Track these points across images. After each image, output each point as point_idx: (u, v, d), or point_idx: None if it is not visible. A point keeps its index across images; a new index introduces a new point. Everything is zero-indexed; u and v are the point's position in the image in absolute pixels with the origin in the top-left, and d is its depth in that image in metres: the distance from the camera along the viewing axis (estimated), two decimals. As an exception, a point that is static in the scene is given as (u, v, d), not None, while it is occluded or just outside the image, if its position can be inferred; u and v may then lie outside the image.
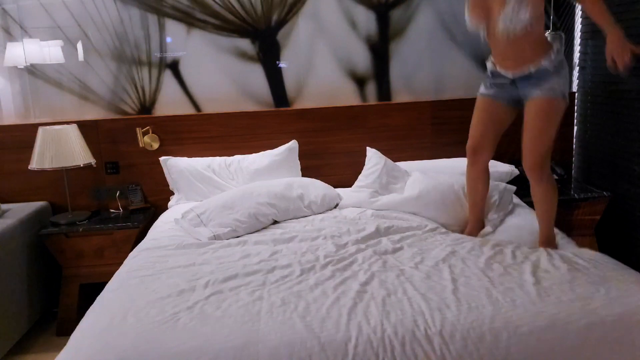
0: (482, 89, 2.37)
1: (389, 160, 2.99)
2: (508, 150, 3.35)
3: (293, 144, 3.17)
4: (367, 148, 3.10)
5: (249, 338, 1.56)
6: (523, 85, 2.21)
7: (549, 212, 2.24)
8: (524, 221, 2.55)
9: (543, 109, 2.14)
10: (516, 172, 2.99)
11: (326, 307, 1.69)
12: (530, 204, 2.82)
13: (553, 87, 2.15)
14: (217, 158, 3.14)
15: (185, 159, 3.12)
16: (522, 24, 2.10)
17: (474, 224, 2.49)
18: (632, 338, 1.59)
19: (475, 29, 2.27)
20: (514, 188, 2.80)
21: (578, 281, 1.79)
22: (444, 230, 2.45)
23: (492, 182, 2.75)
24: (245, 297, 1.79)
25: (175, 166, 3.07)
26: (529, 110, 2.18)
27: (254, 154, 3.17)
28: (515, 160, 3.31)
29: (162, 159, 3.10)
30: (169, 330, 1.61)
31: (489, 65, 2.34)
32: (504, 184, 2.77)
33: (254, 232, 2.51)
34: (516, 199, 2.87)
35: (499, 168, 2.98)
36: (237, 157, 3.15)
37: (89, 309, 1.85)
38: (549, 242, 2.21)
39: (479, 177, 2.45)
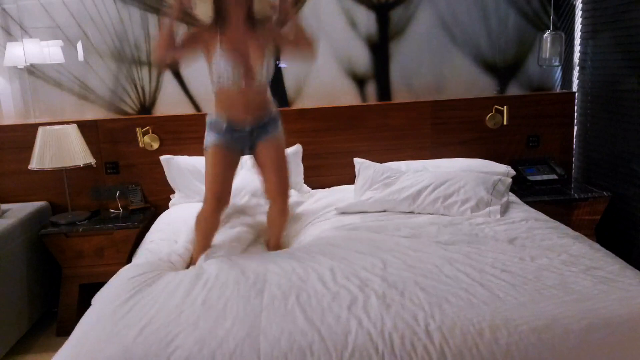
0: (212, 140, 2.32)
1: (378, 164, 2.98)
2: (508, 150, 3.37)
3: (297, 148, 3.15)
4: (355, 159, 3.07)
5: (250, 330, 1.57)
6: (259, 133, 2.33)
7: (283, 228, 2.50)
8: (530, 214, 2.56)
9: (281, 144, 2.39)
10: (512, 172, 2.99)
11: (327, 300, 1.71)
12: (530, 203, 2.83)
13: (280, 130, 2.39)
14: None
15: (186, 157, 3.11)
16: (270, 75, 2.35)
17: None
18: (634, 339, 1.58)
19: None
20: (509, 181, 2.83)
21: (580, 281, 1.79)
22: (441, 225, 2.45)
23: (486, 176, 2.76)
24: (247, 291, 1.80)
25: (175, 165, 3.06)
26: (268, 148, 2.34)
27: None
28: (514, 161, 3.32)
29: (162, 157, 3.08)
30: (171, 324, 1.62)
31: (219, 119, 2.30)
32: (498, 177, 2.81)
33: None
34: (514, 197, 2.87)
35: (495, 168, 2.99)
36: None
37: (91, 305, 1.86)
38: (277, 247, 2.44)
39: (217, 224, 2.40)
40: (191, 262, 2.31)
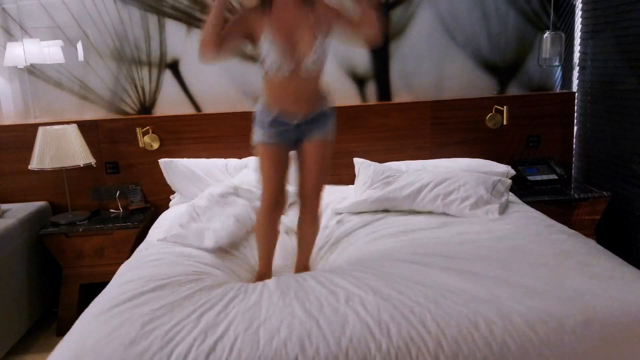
0: (260, 136, 2.12)
1: (378, 164, 2.99)
2: (508, 150, 3.37)
3: (293, 154, 3.14)
4: (354, 159, 3.09)
5: (250, 322, 1.60)
6: (306, 128, 2.12)
7: (314, 242, 2.28)
8: (529, 213, 2.56)
9: (326, 148, 2.16)
10: (512, 172, 2.99)
11: (324, 295, 1.74)
12: (530, 203, 2.83)
13: (330, 129, 2.17)
14: (218, 162, 3.12)
15: (185, 160, 3.10)
16: (323, 62, 2.04)
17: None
18: (631, 337, 1.58)
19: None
20: (509, 182, 2.82)
21: (576, 277, 1.79)
22: (439, 223, 2.46)
23: (486, 176, 2.75)
24: (246, 287, 1.83)
25: (175, 168, 3.05)
26: (311, 150, 2.14)
27: (254, 159, 3.13)
28: (514, 161, 3.32)
29: (161, 161, 3.07)
30: (175, 317, 1.64)
31: (266, 111, 2.10)
32: (498, 177, 2.80)
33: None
34: (513, 197, 2.87)
35: (495, 168, 2.98)
36: (238, 161, 3.13)
37: (93, 301, 1.87)
38: (305, 268, 2.23)
39: (277, 226, 2.23)
40: (257, 276, 2.17)
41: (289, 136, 2.12)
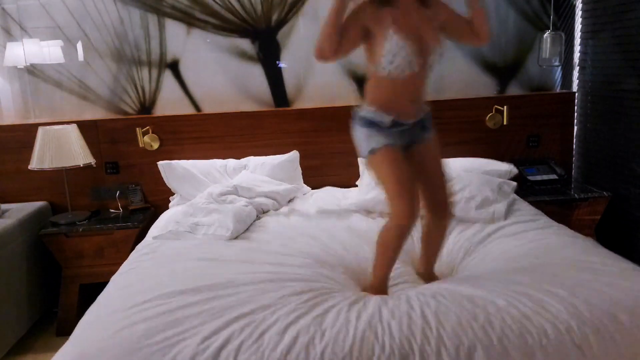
0: (380, 141, 1.88)
1: None
2: (508, 150, 3.37)
3: (294, 154, 3.16)
4: (359, 158, 3.08)
5: (254, 328, 1.58)
6: (418, 129, 1.98)
7: (442, 245, 2.12)
8: (530, 215, 2.56)
9: (438, 149, 2.04)
10: (515, 171, 2.99)
11: (332, 300, 1.73)
12: (530, 203, 2.83)
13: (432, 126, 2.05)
14: (217, 163, 3.11)
15: (184, 161, 3.09)
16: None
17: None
18: (637, 339, 1.58)
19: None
20: (514, 184, 2.81)
21: (581, 281, 1.78)
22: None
23: (491, 178, 2.75)
24: (251, 291, 1.81)
25: (174, 170, 3.04)
26: (427, 152, 2.00)
27: (254, 160, 3.14)
28: (515, 161, 3.32)
29: (160, 163, 3.06)
30: (171, 324, 1.63)
31: (380, 114, 1.90)
32: (502, 179, 2.80)
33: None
34: (515, 197, 2.86)
35: (497, 167, 2.98)
36: (237, 162, 3.14)
37: (93, 304, 1.86)
38: (431, 277, 2.06)
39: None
40: (372, 286, 1.93)
41: (404, 138, 1.94)
